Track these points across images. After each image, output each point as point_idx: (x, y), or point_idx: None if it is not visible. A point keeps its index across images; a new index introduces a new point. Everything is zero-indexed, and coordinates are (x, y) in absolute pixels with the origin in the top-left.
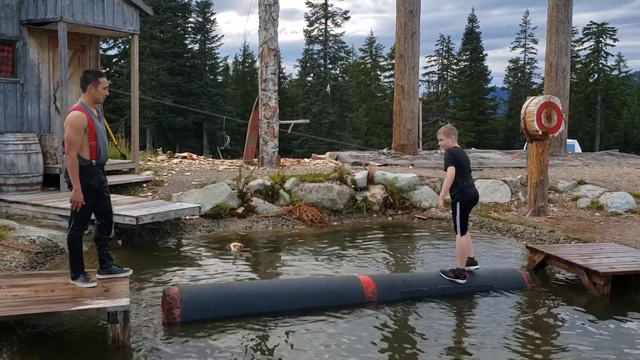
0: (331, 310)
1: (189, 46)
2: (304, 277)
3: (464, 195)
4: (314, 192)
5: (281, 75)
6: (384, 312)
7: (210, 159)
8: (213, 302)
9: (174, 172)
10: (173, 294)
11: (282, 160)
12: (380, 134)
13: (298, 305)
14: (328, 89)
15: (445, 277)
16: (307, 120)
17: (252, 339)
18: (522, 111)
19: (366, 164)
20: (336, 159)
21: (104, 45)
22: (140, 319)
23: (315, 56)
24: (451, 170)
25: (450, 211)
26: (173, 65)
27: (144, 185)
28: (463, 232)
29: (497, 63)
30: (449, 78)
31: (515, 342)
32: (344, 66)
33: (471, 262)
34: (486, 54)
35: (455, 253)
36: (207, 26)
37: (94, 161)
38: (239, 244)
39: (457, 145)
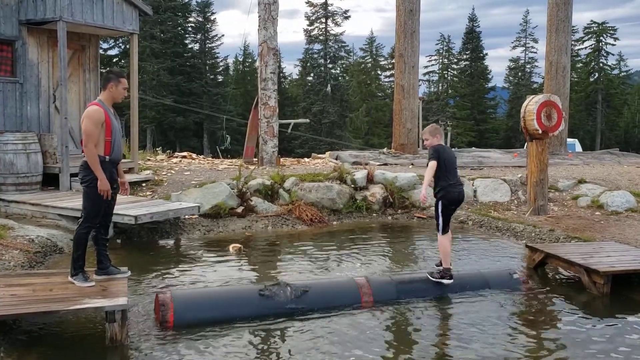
0: (327, 312)
1: (189, 46)
2: (300, 280)
3: (446, 194)
4: (313, 192)
5: (281, 74)
6: (380, 314)
7: (210, 159)
8: (206, 306)
9: (173, 171)
10: (165, 299)
11: (281, 159)
12: (380, 134)
13: (295, 308)
14: (328, 88)
15: (432, 279)
16: (307, 120)
17: (247, 341)
18: (522, 110)
19: (366, 164)
20: (336, 159)
21: (105, 45)
22: (138, 319)
23: (316, 56)
24: (432, 163)
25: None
26: (173, 65)
27: (143, 184)
28: (444, 232)
29: (498, 62)
30: (449, 77)
31: (515, 341)
32: (344, 66)
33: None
34: (486, 54)
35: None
36: (208, 26)
37: (107, 157)
38: (238, 246)
39: (442, 144)
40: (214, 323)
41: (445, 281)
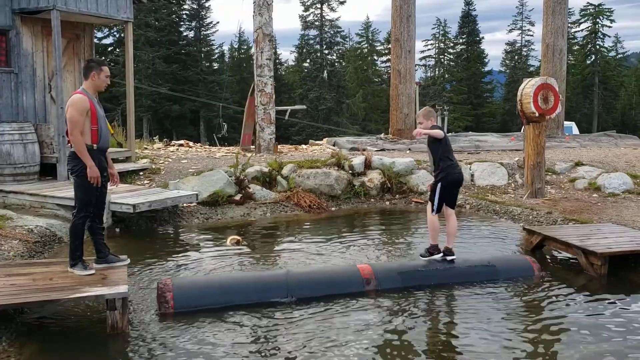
0: (329, 300)
1: (184, 33)
2: (301, 267)
3: (447, 176)
4: (311, 178)
5: (277, 61)
6: (383, 301)
7: (207, 147)
8: (206, 293)
9: (170, 160)
10: (166, 286)
11: (279, 146)
12: (378, 120)
13: (295, 296)
14: (325, 74)
15: (424, 257)
16: (304, 106)
17: (247, 328)
18: (519, 93)
19: (363, 149)
20: (334, 145)
21: (99, 34)
22: (138, 307)
23: (312, 42)
24: (438, 132)
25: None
26: (168, 53)
27: (141, 173)
28: (438, 212)
29: (494, 46)
30: (445, 62)
31: (513, 324)
32: (340, 51)
33: (449, 252)
34: (483, 37)
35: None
36: (202, 13)
37: (95, 145)
38: (237, 237)
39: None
40: (215, 310)
41: (435, 257)
